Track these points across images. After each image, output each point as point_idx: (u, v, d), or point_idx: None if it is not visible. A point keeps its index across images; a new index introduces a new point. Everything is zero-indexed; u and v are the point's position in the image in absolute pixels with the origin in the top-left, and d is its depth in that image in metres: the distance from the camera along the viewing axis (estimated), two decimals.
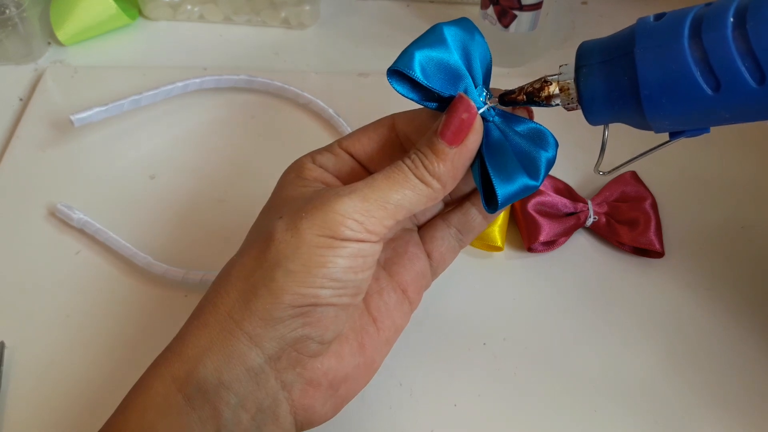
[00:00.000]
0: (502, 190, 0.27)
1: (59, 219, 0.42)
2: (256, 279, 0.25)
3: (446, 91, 0.27)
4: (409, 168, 0.26)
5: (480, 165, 0.27)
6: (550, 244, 0.41)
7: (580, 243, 0.42)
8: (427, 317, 0.38)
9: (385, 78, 0.28)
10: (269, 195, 0.30)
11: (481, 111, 0.28)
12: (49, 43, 0.54)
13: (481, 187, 0.28)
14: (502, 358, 0.37)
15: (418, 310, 0.38)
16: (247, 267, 0.26)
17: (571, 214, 0.42)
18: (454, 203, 0.32)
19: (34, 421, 0.34)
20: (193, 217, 0.43)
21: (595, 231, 0.42)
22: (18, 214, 0.42)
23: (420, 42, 0.27)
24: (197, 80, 0.49)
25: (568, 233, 0.41)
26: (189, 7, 0.55)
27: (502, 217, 0.41)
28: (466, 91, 0.27)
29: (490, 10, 0.50)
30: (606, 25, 0.58)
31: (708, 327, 0.39)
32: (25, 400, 0.34)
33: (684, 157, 0.47)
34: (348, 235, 0.25)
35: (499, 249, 0.41)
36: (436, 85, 0.27)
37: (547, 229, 0.40)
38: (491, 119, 0.28)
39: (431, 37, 0.27)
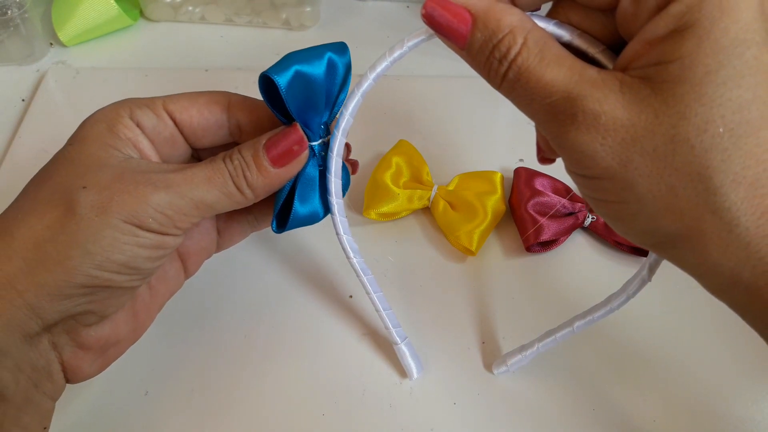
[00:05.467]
0: (295, 215, 0.29)
1: None
2: (48, 251, 0.24)
3: (298, 117, 0.28)
4: (230, 174, 0.26)
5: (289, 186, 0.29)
6: (548, 244, 0.42)
7: (579, 243, 0.43)
8: (426, 316, 0.39)
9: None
10: None
11: (312, 143, 0.29)
12: (51, 44, 0.54)
13: (277, 204, 0.29)
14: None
15: (418, 310, 0.39)
16: (38, 233, 0.24)
17: (570, 214, 0.42)
18: None
19: None
20: None
21: (593, 231, 0.42)
22: None
23: (302, 58, 0.27)
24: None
25: (566, 233, 0.42)
26: (190, 8, 0.56)
27: (488, 221, 0.41)
28: (310, 124, 0.29)
29: None
30: None
31: (706, 325, 0.39)
32: None
33: None
34: (154, 228, 0.25)
35: (471, 253, 0.41)
36: (293, 105, 0.27)
37: (546, 230, 0.41)
38: (316, 153, 0.29)
39: (314, 59, 0.28)
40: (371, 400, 0.35)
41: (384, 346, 0.37)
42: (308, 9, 0.55)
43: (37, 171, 0.45)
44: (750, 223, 0.20)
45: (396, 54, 0.26)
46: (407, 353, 0.35)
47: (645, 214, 0.21)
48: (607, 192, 0.22)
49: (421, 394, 0.36)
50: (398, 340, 0.35)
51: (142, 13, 0.57)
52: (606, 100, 0.20)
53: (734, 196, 0.19)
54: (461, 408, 0.35)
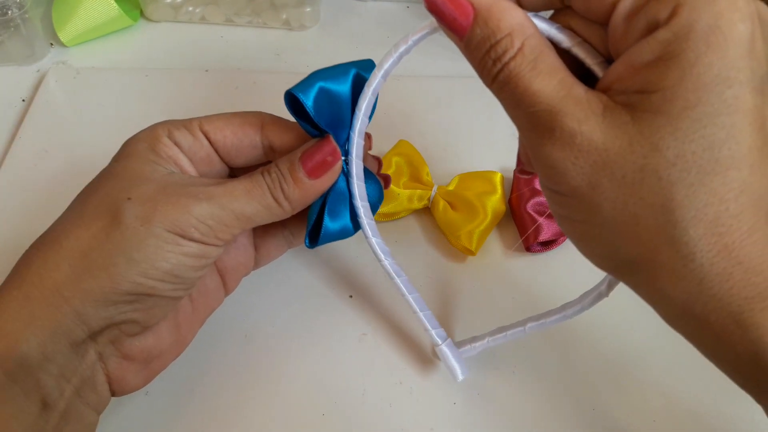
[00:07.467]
0: (326, 230, 0.30)
1: None
2: (94, 259, 0.25)
3: (328, 129, 0.29)
4: (268, 186, 0.28)
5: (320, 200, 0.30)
6: (549, 244, 0.42)
7: None
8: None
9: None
10: None
11: (343, 157, 0.30)
12: (52, 45, 0.54)
13: (310, 220, 0.30)
14: (502, 357, 0.37)
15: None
16: (84, 243, 0.25)
17: None
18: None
19: None
20: None
21: None
22: (20, 216, 0.43)
23: (327, 76, 0.28)
24: None
25: None
26: (190, 8, 0.56)
27: (489, 221, 0.41)
28: (339, 140, 0.29)
29: None
30: None
31: None
32: None
33: None
34: (196, 237, 0.26)
35: (471, 253, 0.41)
36: (322, 121, 0.28)
37: (547, 229, 0.41)
38: (345, 168, 0.30)
39: (340, 76, 0.28)
40: (371, 400, 0.35)
41: (384, 346, 0.37)
42: (308, 9, 0.55)
43: (37, 171, 0.46)
44: (705, 260, 0.20)
45: (402, 49, 0.26)
46: (449, 354, 0.34)
47: (606, 237, 0.21)
48: (573, 210, 0.22)
49: (421, 394, 0.36)
50: (439, 341, 0.34)
51: (142, 14, 0.57)
52: (586, 120, 0.20)
53: (693, 232, 0.20)
54: (461, 408, 0.35)
